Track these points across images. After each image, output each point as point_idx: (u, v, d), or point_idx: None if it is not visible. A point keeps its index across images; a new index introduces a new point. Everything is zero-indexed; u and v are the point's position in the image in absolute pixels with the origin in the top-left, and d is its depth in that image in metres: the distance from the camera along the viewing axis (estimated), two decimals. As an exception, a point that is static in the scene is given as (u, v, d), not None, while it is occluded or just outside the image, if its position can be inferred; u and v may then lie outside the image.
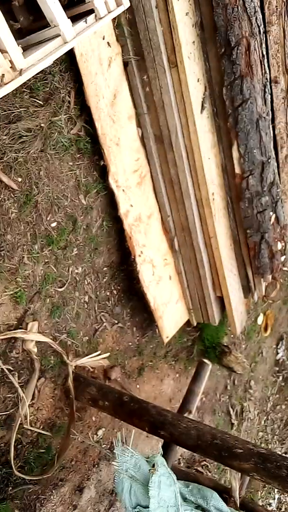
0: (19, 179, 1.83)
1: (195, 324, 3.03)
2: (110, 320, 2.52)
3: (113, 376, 2.52)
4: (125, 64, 2.18)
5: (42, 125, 1.84)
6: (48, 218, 2.01)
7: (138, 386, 2.84)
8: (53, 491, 2.44)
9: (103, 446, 2.64)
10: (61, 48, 1.30)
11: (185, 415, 2.32)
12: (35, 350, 2.04)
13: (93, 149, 2.13)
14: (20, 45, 1.20)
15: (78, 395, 2.24)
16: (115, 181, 2.24)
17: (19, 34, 1.52)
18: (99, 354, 2.40)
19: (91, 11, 1.44)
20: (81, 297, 2.30)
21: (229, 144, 2.48)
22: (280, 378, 5.09)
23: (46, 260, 2.06)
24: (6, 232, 1.83)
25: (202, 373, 2.44)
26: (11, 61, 1.15)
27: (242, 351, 4.10)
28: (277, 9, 2.35)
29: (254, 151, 2.45)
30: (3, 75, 1.13)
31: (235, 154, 2.48)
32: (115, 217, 2.35)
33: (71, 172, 2.07)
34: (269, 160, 2.53)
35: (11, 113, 1.71)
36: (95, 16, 1.44)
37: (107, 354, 2.45)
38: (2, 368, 1.92)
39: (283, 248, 2.94)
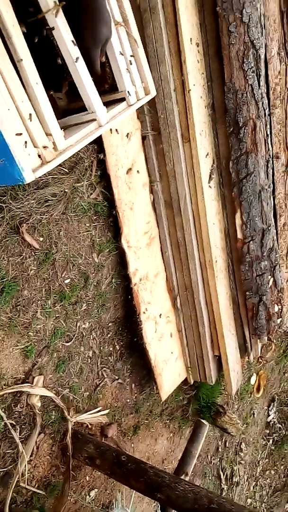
0: (41, 239, 1.94)
1: (192, 382, 3.06)
2: (111, 376, 2.54)
3: (110, 433, 2.51)
4: (143, 138, 2.38)
5: (66, 190, 1.98)
6: (63, 275, 2.11)
7: (132, 445, 2.81)
8: None
9: (95, 508, 2.57)
10: (96, 131, 1.45)
11: (182, 477, 2.30)
12: (39, 404, 2.06)
13: (108, 212, 2.27)
14: (61, 128, 1.33)
15: (75, 452, 2.22)
16: (126, 242, 2.37)
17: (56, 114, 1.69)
18: (99, 411, 2.40)
19: (123, 98, 1.61)
20: (86, 352, 2.34)
21: (232, 212, 2.66)
22: (270, 441, 5.02)
23: (57, 315, 2.13)
24: (24, 288, 1.91)
25: (200, 433, 2.45)
26: (54, 143, 1.28)
27: (234, 411, 4.08)
28: (280, 94, 2.62)
29: (256, 219, 2.63)
30: (46, 154, 1.26)
31: (238, 221, 2.65)
32: (123, 275, 2.45)
33: (87, 232, 2.19)
34: (269, 228, 2.70)
35: (40, 180, 1.86)
36: (127, 103, 1.61)
37: (107, 411, 2.45)
38: (5, 423, 1.92)
39: (280, 310, 3.05)
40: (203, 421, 2.50)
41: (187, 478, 2.25)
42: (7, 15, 1.09)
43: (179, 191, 2.53)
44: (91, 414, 2.35)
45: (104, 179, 2.19)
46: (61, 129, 1.31)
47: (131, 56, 1.54)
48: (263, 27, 2.32)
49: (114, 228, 2.32)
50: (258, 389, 4.48)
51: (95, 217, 2.21)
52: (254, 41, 2.27)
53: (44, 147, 1.21)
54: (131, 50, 1.55)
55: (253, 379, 4.34)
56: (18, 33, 1.12)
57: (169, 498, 1.97)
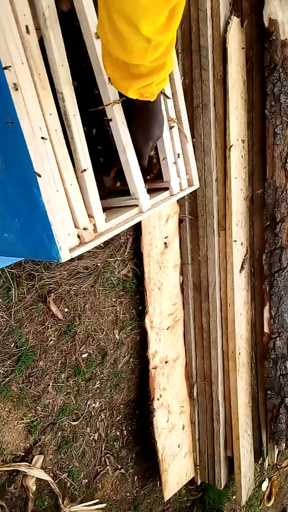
0: (66, 310, 1.91)
1: (199, 483, 2.79)
2: (114, 464, 2.36)
3: (104, 531, 2.27)
4: (180, 221, 2.42)
5: (99, 264, 1.99)
6: (81, 349, 2.05)
7: None
8: None
9: None
10: (137, 217, 1.47)
11: None
12: (34, 488, 1.90)
13: (136, 289, 2.25)
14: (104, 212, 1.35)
15: None
16: (150, 322, 2.31)
17: (100, 191, 1.75)
18: (95, 503, 2.20)
19: (167, 188, 1.65)
20: (91, 434, 2.20)
21: (261, 304, 2.59)
22: None
23: (69, 390, 2.04)
24: (40, 358, 1.85)
25: None
26: (94, 225, 1.29)
27: (241, 520, 3.68)
28: None
29: (285, 315, 2.54)
30: (86, 235, 1.26)
31: (266, 314, 2.57)
32: (142, 356, 2.36)
33: (113, 307, 2.16)
34: (298, 327, 2.60)
35: (75, 252, 1.87)
36: (169, 192, 1.64)
37: (103, 505, 2.24)
38: (-5, 504, 1.77)
39: (302, 417, 2.83)
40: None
41: None
42: (70, 106, 1.15)
43: (209, 276, 2.51)
44: (86, 506, 2.14)
45: (137, 257, 2.20)
46: (104, 212, 1.33)
47: (180, 150, 1.60)
48: (307, 132, 2.42)
49: (140, 306, 2.28)
50: (269, 498, 4.05)
51: (122, 293, 2.19)
52: (298, 145, 2.35)
53: (85, 228, 1.22)
54: (181, 145, 1.61)
55: (264, 486, 3.95)
56: (78, 122, 1.18)
57: None
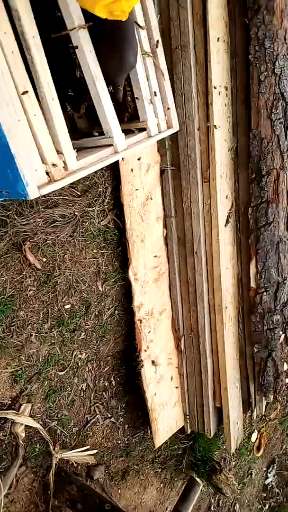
0: (44, 259, 1.91)
1: (189, 432, 2.88)
2: (104, 413, 2.42)
3: (96, 475, 2.35)
4: (161, 171, 2.37)
5: (76, 213, 1.97)
6: (63, 300, 2.05)
7: (119, 491, 2.63)
8: None
9: None
10: (112, 157, 1.43)
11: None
12: (23, 435, 1.95)
13: (118, 241, 2.24)
14: (75, 149, 1.32)
15: (57, 492, 2.07)
16: (134, 274, 2.32)
17: (74, 135, 1.70)
18: (87, 450, 2.26)
19: (144, 128, 1.60)
20: (79, 384, 2.24)
21: (247, 259, 2.58)
22: (267, 506, 4.65)
23: (53, 341, 2.06)
24: (20, 308, 1.86)
25: (192, 493, 2.26)
26: (64, 162, 1.26)
27: (231, 468, 3.82)
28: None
29: (272, 270, 2.53)
30: (55, 173, 1.23)
31: (252, 269, 2.57)
32: (127, 308, 2.38)
33: (94, 259, 2.15)
34: (284, 281, 2.60)
35: (50, 199, 1.85)
36: (147, 134, 1.60)
37: (95, 451, 2.31)
38: (-16, 449, 1.82)
39: (289, 369, 2.89)
40: (198, 479, 2.31)
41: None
42: (28, 25, 1.10)
43: (193, 230, 2.49)
44: (78, 452, 2.21)
45: (117, 207, 2.17)
46: (74, 149, 1.30)
47: (156, 87, 1.54)
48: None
49: (123, 258, 2.28)
50: (258, 448, 4.20)
51: (103, 245, 2.18)
52: (285, 94, 2.27)
53: (54, 164, 1.20)
54: (157, 82, 1.56)
55: (254, 437, 4.08)
56: (38, 45, 1.13)
57: None
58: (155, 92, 1.56)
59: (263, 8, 2.15)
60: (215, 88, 2.22)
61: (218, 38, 2.16)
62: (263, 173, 2.35)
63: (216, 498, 3.77)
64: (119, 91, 1.33)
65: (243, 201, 2.52)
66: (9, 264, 1.77)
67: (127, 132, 1.56)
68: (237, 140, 2.46)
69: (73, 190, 2.00)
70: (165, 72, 1.54)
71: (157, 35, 1.47)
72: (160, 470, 2.95)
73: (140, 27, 1.37)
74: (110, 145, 1.44)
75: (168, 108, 1.60)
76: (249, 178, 2.43)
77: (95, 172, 2.07)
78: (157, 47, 1.48)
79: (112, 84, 1.29)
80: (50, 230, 1.92)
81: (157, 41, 1.47)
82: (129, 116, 1.55)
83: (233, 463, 3.81)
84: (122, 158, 2.08)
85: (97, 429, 2.39)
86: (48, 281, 1.96)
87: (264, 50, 2.20)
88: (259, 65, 2.24)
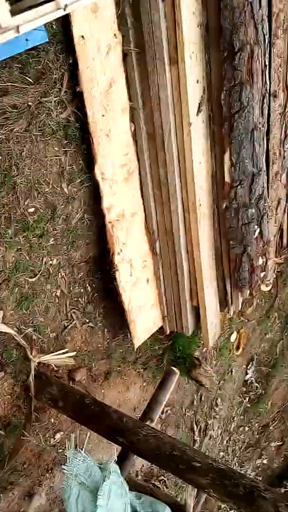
0: (-1, 157, 1.72)
1: (168, 332, 2.94)
2: (81, 319, 2.41)
3: (78, 377, 2.40)
4: (125, 55, 2.11)
5: (30, 103, 1.74)
6: (26, 203, 1.91)
7: (103, 391, 2.72)
8: (1, 494, 2.29)
9: (60, 451, 2.50)
10: (55, 12, 1.22)
11: (147, 423, 2.21)
12: (-4, 340, 1.92)
13: (82, 137, 2.04)
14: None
15: (38, 394, 2.11)
16: (101, 173, 2.16)
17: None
18: (66, 353, 2.28)
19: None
20: (53, 291, 2.18)
21: (221, 152, 2.43)
22: (247, 399, 5.03)
23: (19, 247, 1.95)
24: (-21, 211, 1.72)
25: (169, 381, 2.35)
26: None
27: (212, 366, 4.03)
28: (283, 23, 2.34)
29: (246, 161, 2.41)
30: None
31: (227, 162, 2.43)
32: (97, 212, 2.25)
33: (56, 157, 1.97)
34: (260, 173, 2.49)
35: (-4, 85, 1.62)
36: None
37: (73, 353, 2.33)
38: None
39: (264, 264, 2.90)
40: (174, 368, 2.40)
41: (152, 425, 2.17)
42: None
43: (163, 122, 2.29)
44: (56, 355, 2.23)
45: (78, 99, 1.95)
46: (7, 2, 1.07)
47: None
48: None
49: (88, 157, 2.10)
50: (237, 347, 4.42)
51: (65, 142, 1.99)
52: None
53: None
54: None
55: (233, 337, 4.27)
56: None
57: (131, 443, 1.88)
58: None
59: None
60: None
61: None
62: (236, 49, 2.11)
63: (199, 394, 4.03)
64: None
65: (216, 87, 2.30)
66: None
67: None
68: (207, 14, 2.18)
69: (24, 76, 1.75)
70: None
71: None
72: (142, 370, 3.06)
73: None
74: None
75: None
76: (221, 58, 2.19)
77: (48, 54, 1.81)
78: None
79: None
80: (1, 123, 1.71)
81: None
82: None
83: (214, 362, 4.02)
84: (79, 37, 1.81)
85: (76, 334, 2.40)
86: (5, 181, 1.79)
87: None
88: None
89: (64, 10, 1.22)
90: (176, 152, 2.37)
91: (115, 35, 2.00)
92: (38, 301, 2.12)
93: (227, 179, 2.48)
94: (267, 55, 2.26)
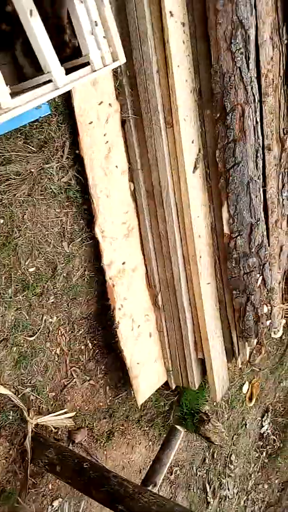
0: (1, 221, 1.78)
1: (173, 387, 2.87)
2: (82, 376, 2.37)
3: (78, 439, 2.32)
4: (123, 121, 2.23)
5: (32, 170, 1.83)
6: (26, 263, 1.95)
7: (105, 452, 2.62)
8: None
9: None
10: (51, 93, 1.31)
11: (149, 488, 2.11)
12: (-6, 403, 1.89)
13: (82, 198, 2.11)
14: (9, 86, 1.19)
15: (35, 457, 2.04)
16: (101, 231, 2.21)
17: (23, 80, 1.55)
18: (65, 413, 2.22)
19: (88, 63, 1.47)
20: (53, 349, 2.17)
21: (219, 204, 2.49)
22: (264, 454, 4.78)
23: (19, 306, 1.97)
24: (-21, 273, 1.75)
25: (173, 440, 2.26)
26: (-3, 99, 1.14)
27: (224, 421, 3.87)
28: (273, 81, 2.46)
29: (244, 212, 2.45)
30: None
31: (224, 214, 2.48)
32: (98, 268, 2.28)
33: (57, 218, 2.04)
34: (258, 222, 2.53)
35: (1, 155, 1.71)
36: (91, 68, 1.47)
37: (73, 413, 2.27)
38: None
39: (269, 312, 2.86)
40: (178, 427, 2.31)
41: (155, 489, 2.06)
42: None
43: (161, 180, 2.37)
44: (55, 416, 2.17)
45: (78, 163, 2.04)
46: (9, 90, 1.17)
47: (97, 17, 1.39)
48: (253, 7, 2.17)
49: (89, 216, 2.16)
50: (250, 398, 4.26)
51: (66, 203, 2.05)
52: (243, 21, 2.11)
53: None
54: (97, 11, 1.41)
55: (245, 388, 4.13)
56: None
57: (131, 510, 1.78)
58: (95, 21, 1.42)
59: None
60: (171, 17, 2.04)
61: None
62: (227, 110, 2.22)
63: (210, 451, 3.84)
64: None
65: (210, 145, 2.40)
66: None
67: (70, 70, 1.43)
68: (200, 80, 2.31)
69: (28, 145, 1.85)
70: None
71: None
72: (147, 428, 2.96)
73: None
74: (50, 81, 1.31)
75: (112, 38, 1.45)
76: (214, 119, 2.30)
77: (50, 126, 1.92)
78: None
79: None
80: (3, 189, 1.78)
81: None
82: (71, 51, 1.41)
83: (226, 415, 3.86)
84: (79, 108, 1.93)
85: (76, 393, 2.35)
86: (7, 243, 1.84)
87: (220, -24, 2.03)
88: (215, -7, 2.07)
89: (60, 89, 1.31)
90: (174, 208, 2.43)
91: (113, 104, 2.12)
92: (36, 360, 2.10)
93: (226, 230, 2.52)
94: (258, 113, 2.37)
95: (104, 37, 1.47)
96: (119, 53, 1.51)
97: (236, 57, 2.16)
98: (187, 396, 3.05)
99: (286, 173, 2.81)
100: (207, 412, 3.07)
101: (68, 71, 1.40)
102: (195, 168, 2.40)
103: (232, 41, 2.14)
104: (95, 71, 1.45)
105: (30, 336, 2.04)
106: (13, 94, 1.25)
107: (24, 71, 1.62)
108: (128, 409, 2.74)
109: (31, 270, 1.98)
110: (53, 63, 1.31)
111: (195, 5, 2.17)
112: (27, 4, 1.20)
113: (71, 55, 1.53)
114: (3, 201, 1.78)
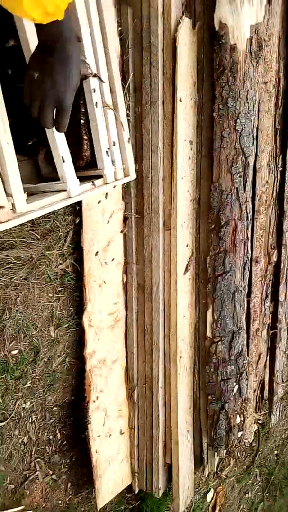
0: (-6, 301, 1.81)
1: (136, 491, 2.71)
2: (45, 470, 2.24)
3: None
4: (125, 218, 2.37)
5: (33, 256, 1.90)
6: (11, 345, 1.94)
7: None
8: None
9: None
10: (64, 201, 1.42)
11: None
12: None
13: (76, 285, 2.17)
14: (26, 192, 1.29)
15: None
16: (88, 320, 2.24)
17: (38, 179, 1.68)
18: (23, 510, 2.07)
19: (101, 175, 1.61)
20: (20, 437, 2.07)
21: (205, 308, 2.58)
22: None
23: (-5, 389, 1.92)
24: None
25: None
26: (13, 204, 1.23)
27: (184, 531, 3.60)
28: (266, 202, 2.69)
29: (227, 319, 2.54)
30: (2, 215, 1.20)
31: (209, 317, 2.56)
32: (79, 356, 2.27)
33: (49, 303, 2.07)
34: (239, 331, 2.60)
35: (6, 240, 1.79)
36: (103, 181, 1.61)
37: (30, 511, 2.12)
38: None
39: (242, 423, 2.83)
40: None
41: None
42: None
43: (153, 276, 2.47)
44: (9, 513, 2.01)
45: (77, 252, 2.13)
46: (25, 192, 1.27)
47: (116, 138, 1.57)
48: (255, 138, 2.45)
49: (79, 303, 2.20)
50: (214, 508, 4.01)
51: (60, 289, 2.11)
52: (245, 149, 2.37)
53: (1, 207, 1.16)
54: (117, 133, 1.58)
55: (209, 496, 3.91)
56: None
57: None
58: (114, 142, 1.59)
59: (227, 70, 2.28)
60: (181, 137, 2.28)
61: (183, 97, 2.25)
62: (222, 224, 2.39)
63: None
64: (67, 113, 1.08)
65: (203, 251, 2.55)
66: None
67: (84, 179, 1.56)
68: (200, 191, 2.52)
69: (33, 233, 1.95)
70: (125, 123, 1.58)
71: (119, 87, 1.51)
72: (104, 534, 2.74)
73: (102, 81, 1.40)
74: (64, 190, 1.44)
75: (126, 158, 1.62)
76: (209, 228, 2.47)
77: (57, 217, 2.04)
78: (117, 99, 1.51)
79: (63, 104, 1.05)
80: (3, 272, 1.84)
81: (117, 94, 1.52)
82: (84, 164, 1.56)
83: (184, 524, 3.61)
84: (87, 203, 2.07)
85: (36, 487, 2.20)
86: (-5, 324, 1.86)
87: (227, 109, 2.31)
88: (222, 122, 2.34)
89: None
90: (162, 304, 2.50)
91: (118, 202, 2.28)
92: (2, 447, 2.00)
93: (208, 333, 2.58)
94: (249, 229, 2.56)
95: (119, 155, 1.63)
96: (130, 171, 1.67)
97: (234, 179, 2.39)
98: (149, 503, 2.88)
99: (270, 284, 2.97)
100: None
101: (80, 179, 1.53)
102: (186, 270, 2.52)
103: (233, 165, 2.39)
104: (106, 183, 1.59)
105: (1, 422, 1.96)
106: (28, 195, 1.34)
107: (42, 171, 1.76)
108: (86, 510, 2.55)
109: (13, 352, 1.96)
110: (70, 175, 1.43)
111: (205, 128, 2.44)
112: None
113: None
114: (0, 284, 1.82)
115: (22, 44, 1.22)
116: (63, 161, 1.35)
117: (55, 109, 1.04)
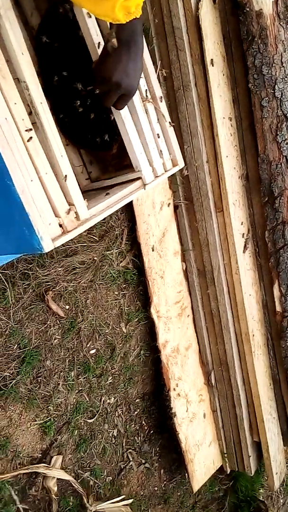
0: (67, 307, 1.90)
1: (228, 471, 2.74)
2: (137, 459, 2.33)
3: (135, 528, 2.24)
4: (175, 207, 2.38)
5: (95, 258, 1.97)
6: (88, 345, 2.03)
7: None
8: None
9: None
10: (121, 201, 1.45)
11: None
12: (55, 489, 1.88)
13: (138, 280, 2.22)
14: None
15: None
16: (156, 312, 2.28)
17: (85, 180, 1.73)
18: (123, 499, 2.17)
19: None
20: (110, 431, 2.17)
21: (270, 283, 2.53)
22: None
23: (80, 388, 2.02)
24: (46, 358, 1.84)
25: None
26: (76, 213, 1.28)
27: (280, 507, 3.59)
28: None
29: (296, 291, 2.47)
30: (68, 224, 1.24)
31: (276, 292, 2.51)
32: (152, 347, 2.33)
33: (116, 301, 2.14)
34: (310, 301, 2.53)
35: (69, 247, 1.86)
36: (153, 174, 1.62)
37: (130, 501, 2.21)
38: (18, 507, 1.76)
39: None
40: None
41: None
42: (35, 91, 1.14)
43: (212, 261, 2.46)
44: (113, 503, 2.12)
45: (135, 247, 2.17)
46: (85, 199, 1.31)
47: (159, 130, 1.57)
48: (296, 101, 2.35)
49: (144, 297, 2.25)
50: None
51: (124, 285, 2.17)
52: (288, 115, 2.29)
53: (66, 216, 1.21)
54: (159, 125, 1.59)
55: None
56: (45, 110, 1.16)
57: None
58: (158, 134, 1.59)
59: (257, 38, 2.20)
60: (219, 115, 2.25)
61: (215, 74, 2.21)
62: (275, 195, 2.33)
63: None
64: (130, 99, 1.28)
65: (259, 225, 2.49)
66: (33, 316, 1.77)
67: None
68: (247, 166, 2.46)
69: (91, 236, 2.01)
70: (166, 113, 1.58)
71: (154, 78, 1.51)
72: (202, 515, 2.80)
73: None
74: (139, 178, 1.48)
75: (172, 147, 1.63)
76: (262, 202, 2.41)
77: (110, 216, 2.09)
78: (155, 91, 1.53)
79: (129, 93, 1.22)
80: (71, 278, 1.92)
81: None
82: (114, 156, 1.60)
83: (281, 500, 3.59)
84: (137, 199, 2.10)
85: (132, 476, 2.30)
86: (72, 328, 1.94)
87: (263, 77, 2.23)
88: (259, 91, 2.26)
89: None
90: (226, 286, 2.49)
91: (166, 192, 2.29)
92: (95, 442, 2.11)
93: (278, 308, 2.53)
94: (305, 196, 2.47)
95: (165, 146, 1.64)
96: (178, 159, 1.67)
97: (282, 147, 2.31)
98: (242, 482, 2.90)
99: None
100: (264, 500, 2.88)
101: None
102: (245, 248, 2.48)
103: (278, 133, 2.31)
104: (157, 176, 1.60)
105: (90, 418, 2.06)
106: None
107: (90, 175, 1.81)
108: (182, 495, 2.63)
109: (92, 352, 2.05)
110: (143, 164, 1.48)
111: (241, 101, 2.38)
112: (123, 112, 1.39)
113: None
114: (69, 289, 1.91)
115: (86, 39, 1.29)
116: (135, 151, 1.42)
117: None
